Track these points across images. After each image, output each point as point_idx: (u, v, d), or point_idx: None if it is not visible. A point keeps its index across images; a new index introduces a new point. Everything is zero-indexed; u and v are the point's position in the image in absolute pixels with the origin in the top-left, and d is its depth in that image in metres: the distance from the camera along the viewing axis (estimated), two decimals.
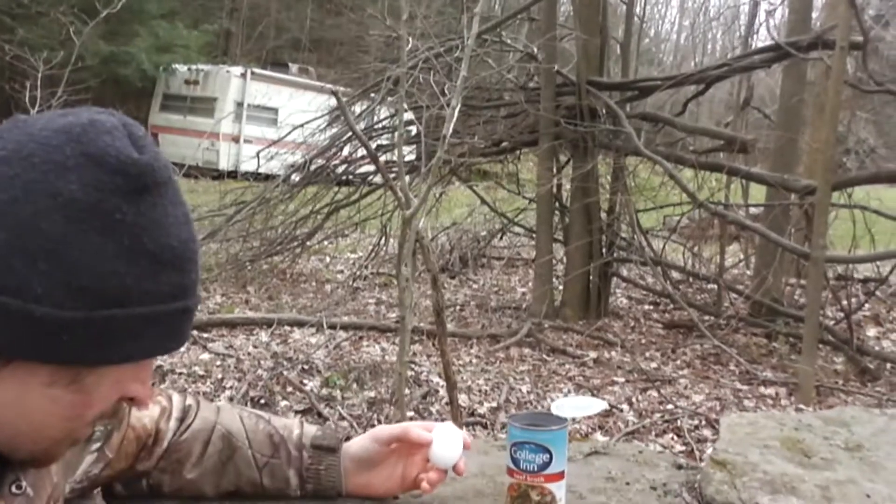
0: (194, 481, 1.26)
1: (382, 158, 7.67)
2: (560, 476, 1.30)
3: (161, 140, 19.40)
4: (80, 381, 0.78)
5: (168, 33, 20.68)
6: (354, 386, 5.20)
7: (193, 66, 20.11)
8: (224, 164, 17.29)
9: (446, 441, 1.28)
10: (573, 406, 1.37)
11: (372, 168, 8.41)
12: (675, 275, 8.07)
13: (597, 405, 1.37)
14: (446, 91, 5.40)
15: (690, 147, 7.61)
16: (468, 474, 1.48)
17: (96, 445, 1.15)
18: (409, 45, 4.31)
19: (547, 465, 1.28)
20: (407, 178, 5.84)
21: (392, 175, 4.12)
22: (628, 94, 7.38)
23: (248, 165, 10.90)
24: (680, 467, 1.58)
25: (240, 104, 18.90)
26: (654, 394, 5.47)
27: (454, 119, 3.05)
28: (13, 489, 0.85)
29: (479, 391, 5.35)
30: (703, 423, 4.93)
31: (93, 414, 0.82)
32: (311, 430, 1.33)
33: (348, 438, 1.33)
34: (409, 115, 7.31)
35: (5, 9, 15.96)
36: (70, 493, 1.12)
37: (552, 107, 7.04)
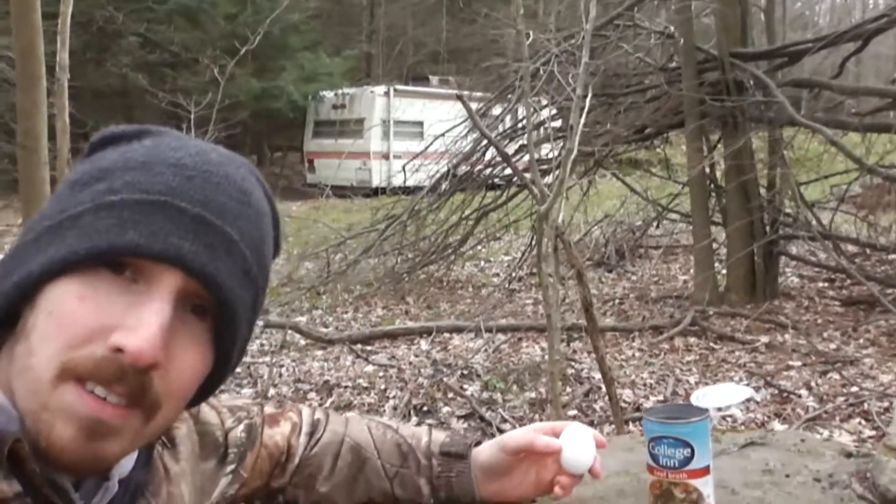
0: (328, 495, 1.26)
1: (526, 158, 7.61)
2: (705, 471, 1.21)
3: (317, 165, 20.25)
4: (25, 328, 0.74)
5: (312, 63, 21.58)
6: (514, 388, 5.16)
7: (339, 91, 20.85)
8: (376, 182, 17.77)
9: (577, 445, 1.21)
10: (716, 395, 1.27)
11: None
12: (850, 248, 7.51)
13: (742, 393, 1.26)
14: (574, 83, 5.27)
15: (853, 110, 7.05)
16: (610, 472, 1.41)
17: (231, 467, 1.16)
18: (530, 40, 4.23)
19: (689, 460, 1.19)
20: (550, 177, 5.77)
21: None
22: (777, 61, 6.95)
23: (399, 180, 11.17)
24: (849, 455, 1.44)
25: (386, 122, 19.38)
26: (836, 376, 5.09)
27: (584, 109, 2.95)
28: None
29: (644, 385, 5.17)
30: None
31: (39, 363, 0.71)
32: (440, 436, 1.30)
33: (478, 444, 1.29)
34: (548, 112, 7.23)
35: (162, 61, 17.17)
36: None
37: (695, 85, 6.74)
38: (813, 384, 4.98)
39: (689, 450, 1.19)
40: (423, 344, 6.48)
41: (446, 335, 6.67)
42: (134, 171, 0.76)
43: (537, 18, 6.96)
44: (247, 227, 0.79)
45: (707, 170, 7.21)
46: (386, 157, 19.25)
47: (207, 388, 0.84)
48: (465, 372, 5.58)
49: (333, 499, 1.26)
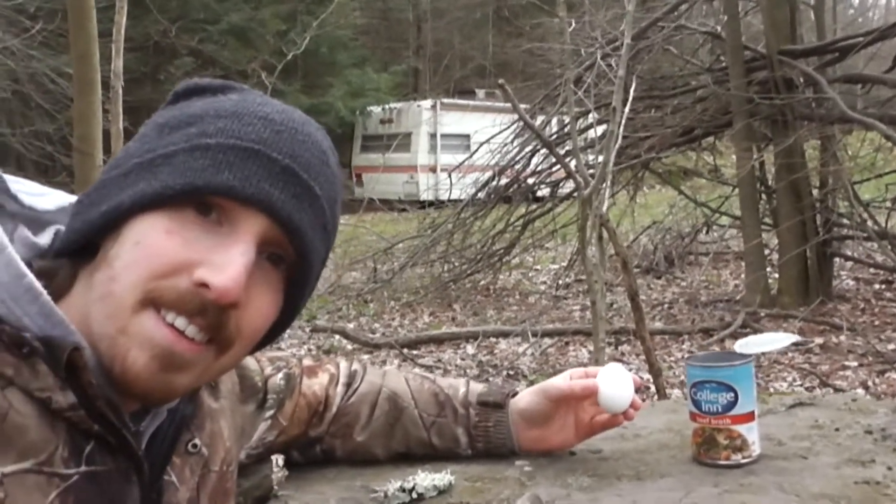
0: (364, 444, 1.26)
1: (571, 164, 7.54)
2: (749, 417, 1.18)
3: (365, 179, 20.39)
4: (106, 257, 0.76)
5: (360, 79, 21.81)
6: None
7: (386, 106, 21.01)
8: (424, 195, 17.80)
9: (614, 383, 1.20)
10: (759, 342, 1.24)
11: (562, 175, 8.34)
12: None
13: (786, 339, 1.23)
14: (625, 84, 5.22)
15: None
16: (653, 430, 1.39)
17: (270, 413, 1.18)
18: (571, 27, 4.21)
19: (732, 404, 1.17)
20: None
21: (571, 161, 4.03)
22: (827, 58, 6.81)
23: (446, 194, 11.21)
24: None
25: (433, 135, 19.45)
26: (895, 375, 4.95)
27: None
28: (189, 448, 0.87)
29: None
30: None
31: (121, 289, 0.73)
32: (478, 387, 1.30)
33: (515, 394, 1.29)
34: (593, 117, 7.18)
35: (215, 77, 17.48)
36: (247, 458, 1.15)
37: (743, 84, 6.63)
38: (870, 383, 4.85)
39: (733, 394, 1.17)
40: (470, 348, 6.47)
41: (492, 340, 6.65)
42: (225, 118, 0.78)
43: (581, 12, 6.89)
44: (326, 184, 0.81)
45: (757, 171, 7.08)
46: (433, 170, 19.28)
47: (271, 334, 0.85)
48: (511, 373, 5.55)
49: (370, 448, 1.27)
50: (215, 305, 0.74)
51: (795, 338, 1.24)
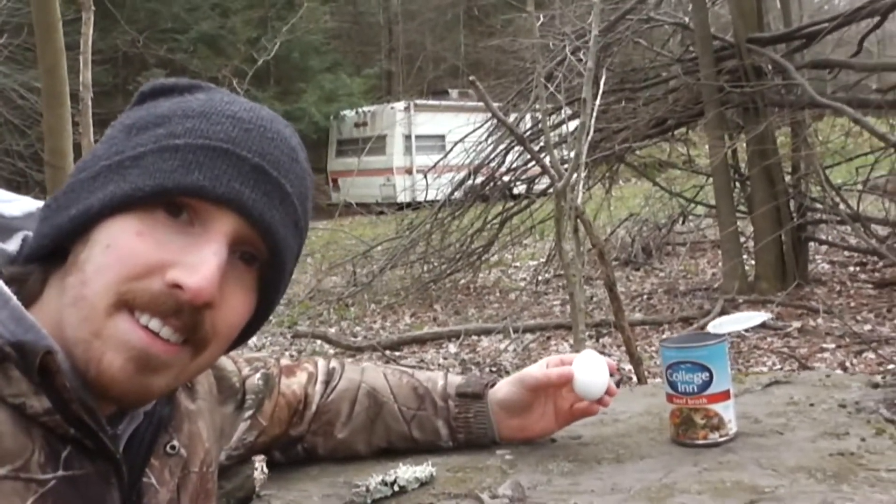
0: (346, 440, 1.26)
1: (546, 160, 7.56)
2: (725, 396, 1.20)
3: (341, 184, 20.31)
4: (76, 261, 0.75)
5: (333, 84, 21.77)
6: None
7: (360, 109, 20.96)
8: (401, 197, 17.77)
9: (589, 370, 1.21)
10: (732, 322, 1.26)
11: (537, 171, 8.36)
12: (881, 230, 7.39)
13: (758, 317, 1.25)
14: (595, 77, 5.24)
15: (874, 87, 6.95)
16: (632, 413, 1.41)
17: (248, 413, 1.18)
18: (540, 22, 4.23)
19: (708, 384, 1.19)
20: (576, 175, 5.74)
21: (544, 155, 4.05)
22: (794, 44, 6.88)
23: (423, 195, 11.22)
24: (876, 386, 1.42)
25: (408, 137, 19.44)
26: (871, 356, 5.01)
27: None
28: (168, 449, 0.87)
29: None
30: None
31: (93, 292, 0.72)
32: (456, 379, 1.31)
33: (493, 385, 1.30)
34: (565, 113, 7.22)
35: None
36: (227, 459, 1.15)
37: (713, 73, 6.69)
38: (848, 364, 4.90)
39: (708, 374, 1.18)
40: (452, 347, 6.48)
41: (474, 338, 6.66)
42: (193, 118, 0.78)
43: (551, 8, 6.96)
44: (296, 181, 0.81)
45: (730, 159, 7.14)
46: (409, 171, 19.26)
47: (246, 333, 0.85)
48: (494, 369, 5.56)
49: (352, 444, 1.27)
50: (190, 306, 0.73)
51: (767, 315, 1.26)
